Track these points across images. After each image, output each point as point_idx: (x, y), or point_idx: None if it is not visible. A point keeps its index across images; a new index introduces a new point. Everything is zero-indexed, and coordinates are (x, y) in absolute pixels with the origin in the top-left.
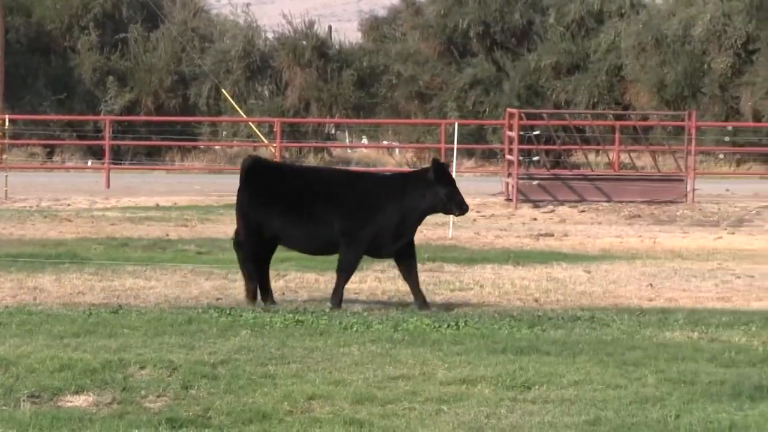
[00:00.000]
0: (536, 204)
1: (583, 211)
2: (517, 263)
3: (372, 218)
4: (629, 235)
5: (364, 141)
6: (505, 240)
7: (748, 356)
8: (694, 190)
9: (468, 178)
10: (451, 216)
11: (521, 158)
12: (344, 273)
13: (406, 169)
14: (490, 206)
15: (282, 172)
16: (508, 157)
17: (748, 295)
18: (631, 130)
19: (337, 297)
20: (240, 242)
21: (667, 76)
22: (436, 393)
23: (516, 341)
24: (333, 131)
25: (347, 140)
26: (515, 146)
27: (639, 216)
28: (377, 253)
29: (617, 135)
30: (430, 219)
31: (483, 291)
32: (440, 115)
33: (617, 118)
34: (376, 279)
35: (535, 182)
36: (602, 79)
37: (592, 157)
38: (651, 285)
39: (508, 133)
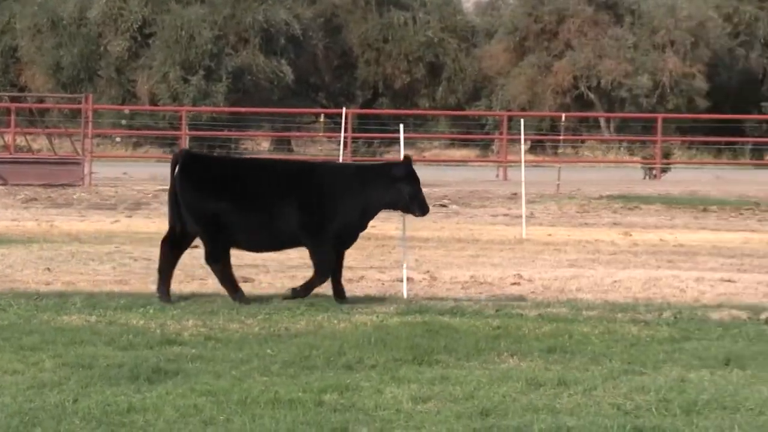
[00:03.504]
0: None
1: None
2: None
3: (335, 213)
4: (25, 218)
5: None
6: None
7: (146, 339)
8: (91, 173)
9: None
10: None
11: None
12: (322, 275)
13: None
14: None
15: (231, 165)
16: None
17: (145, 278)
18: (27, 112)
19: (307, 293)
20: (209, 253)
21: (63, 59)
22: None
23: None
24: None
25: None
26: None
27: (35, 199)
28: (341, 249)
29: (13, 117)
30: None
31: None
32: None
33: (13, 100)
34: None
35: None
36: None
37: None
38: (48, 269)
39: None
